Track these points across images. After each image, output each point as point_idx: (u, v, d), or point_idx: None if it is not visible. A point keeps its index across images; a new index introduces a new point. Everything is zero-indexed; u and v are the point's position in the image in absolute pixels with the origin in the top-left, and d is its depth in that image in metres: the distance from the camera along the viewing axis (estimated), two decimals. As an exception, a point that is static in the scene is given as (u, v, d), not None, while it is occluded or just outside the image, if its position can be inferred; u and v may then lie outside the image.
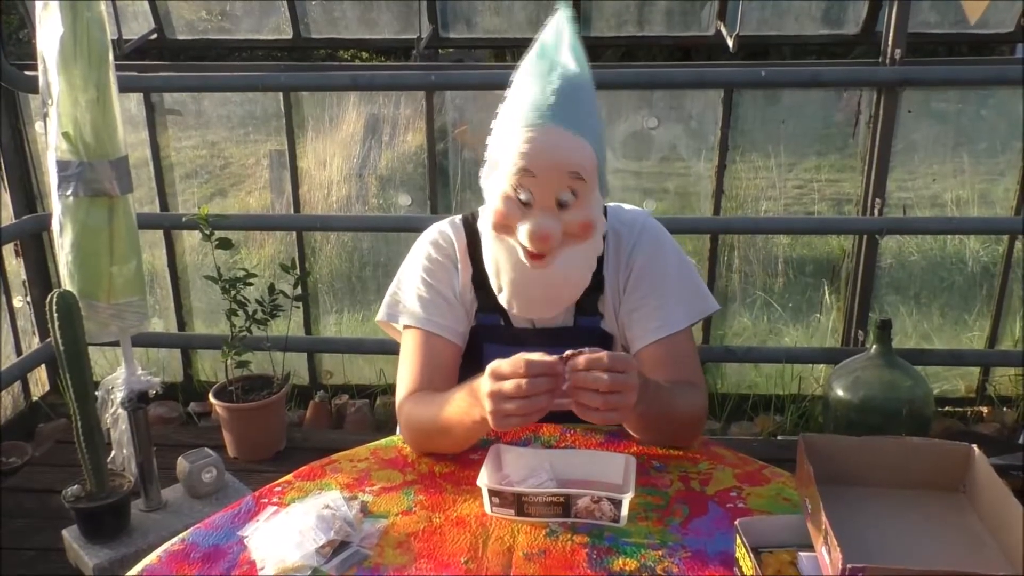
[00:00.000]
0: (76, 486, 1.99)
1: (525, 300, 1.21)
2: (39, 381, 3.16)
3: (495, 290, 1.23)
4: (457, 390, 1.12)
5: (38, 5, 1.94)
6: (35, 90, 2.13)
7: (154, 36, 3.00)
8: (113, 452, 2.18)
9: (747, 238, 2.95)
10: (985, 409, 2.98)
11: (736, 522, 0.89)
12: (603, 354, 0.98)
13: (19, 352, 2.96)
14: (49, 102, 1.96)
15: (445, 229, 1.33)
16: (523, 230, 1.13)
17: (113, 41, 2.22)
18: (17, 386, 2.99)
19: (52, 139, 1.97)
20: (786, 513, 1.03)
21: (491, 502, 1.03)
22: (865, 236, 2.82)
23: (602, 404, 0.97)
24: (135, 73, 2.87)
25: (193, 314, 3.19)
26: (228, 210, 3.00)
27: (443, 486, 1.12)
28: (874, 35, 2.83)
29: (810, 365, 2.99)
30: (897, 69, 2.62)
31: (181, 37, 3.07)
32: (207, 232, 2.36)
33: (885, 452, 0.95)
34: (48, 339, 2.34)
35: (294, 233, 3.04)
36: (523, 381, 0.96)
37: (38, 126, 2.95)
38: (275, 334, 2.64)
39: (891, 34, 2.60)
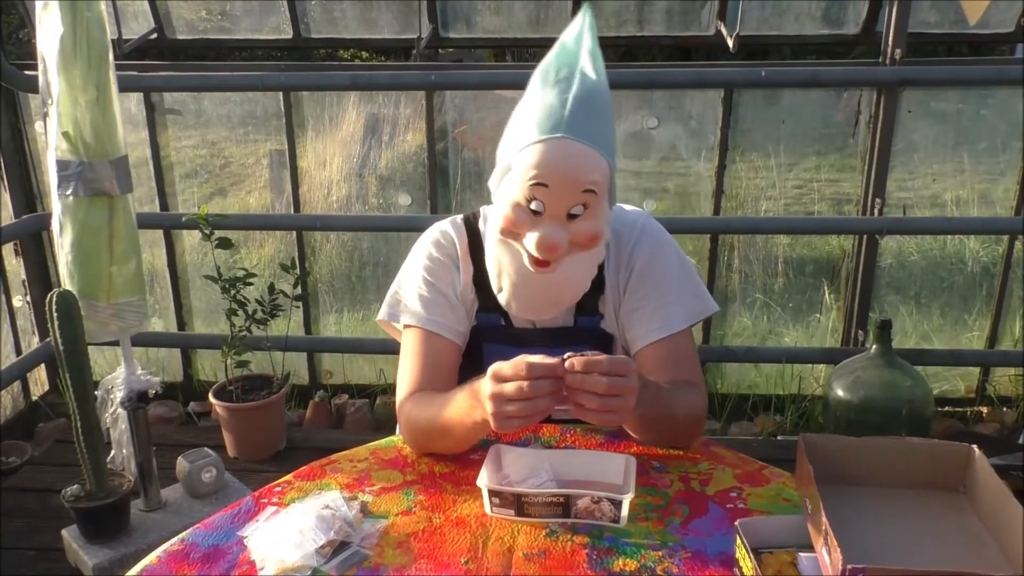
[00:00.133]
0: (76, 486, 1.99)
1: (524, 301, 1.21)
2: (39, 381, 3.16)
3: (495, 290, 1.23)
4: (458, 391, 1.12)
5: (38, 5, 1.94)
6: (35, 90, 2.12)
7: (154, 36, 3.00)
8: (113, 452, 2.19)
9: (747, 238, 2.95)
10: (985, 409, 2.98)
11: (736, 522, 0.89)
12: (602, 357, 0.98)
13: (19, 352, 2.96)
14: (49, 102, 1.96)
15: (447, 229, 1.33)
16: (531, 238, 1.13)
17: (113, 41, 2.22)
18: (17, 385, 2.99)
19: (52, 139, 1.97)
20: (786, 513, 1.03)
21: (491, 502, 1.03)
22: (865, 236, 2.82)
23: (600, 406, 0.97)
24: (135, 73, 2.87)
25: (193, 314, 3.19)
26: (228, 210, 2.99)
27: (443, 486, 1.12)
28: (874, 35, 2.83)
29: (810, 365, 2.99)
30: (897, 69, 2.62)
31: (181, 37, 3.07)
32: (207, 232, 2.36)
33: (885, 452, 0.95)
34: (48, 339, 2.34)
35: (294, 233, 3.04)
36: (524, 383, 0.96)
37: (38, 126, 2.95)
38: (275, 334, 2.64)
39: (891, 34, 2.60)
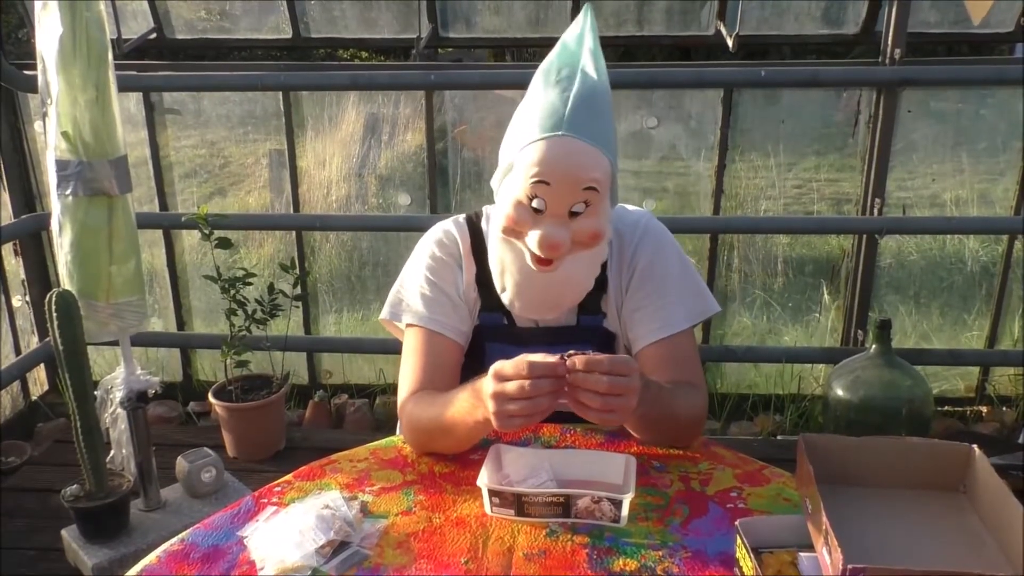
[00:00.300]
0: (75, 486, 1.99)
1: (527, 301, 1.21)
2: (38, 380, 3.16)
3: (498, 289, 1.24)
4: (460, 390, 1.12)
5: (37, 5, 1.93)
6: (34, 89, 2.12)
7: (153, 35, 3.00)
8: (112, 452, 2.18)
9: (747, 238, 2.95)
10: (984, 409, 2.99)
11: (736, 522, 0.89)
12: (604, 357, 0.98)
13: (18, 351, 2.96)
14: (48, 101, 1.95)
15: (449, 228, 1.34)
16: (533, 237, 1.13)
17: (112, 40, 2.22)
18: (16, 385, 2.99)
19: (51, 138, 1.96)
20: (786, 513, 1.03)
21: (491, 502, 1.03)
22: (864, 236, 2.82)
23: (601, 405, 0.97)
24: (134, 72, 2.87)
25: (192, 314, 3.19)
26: (227, 209, 2.99)
27: (443, 486, 1.12)
28: (874, 35, 2.83)
29: (810, 365, 2.99)
30: (897, 69, 2.62)
31: (180, 36, 3.07)
32: (206, 231, 2.36)
33: (885, 452, 0.95)
34: (47, 338, 2.34)
35: (293, 232, 3.03)
36: (526, 383, 0.96)
37: (37, 125, 2.95)
38: (274, 334, 2.64)
39: (891, 34, 2.60)
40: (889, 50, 2.61)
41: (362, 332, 3.14)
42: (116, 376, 2.16)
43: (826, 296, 2.99)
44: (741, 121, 2.83)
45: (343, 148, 2.99)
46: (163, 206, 3.03)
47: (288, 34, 3.03)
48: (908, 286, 2.97)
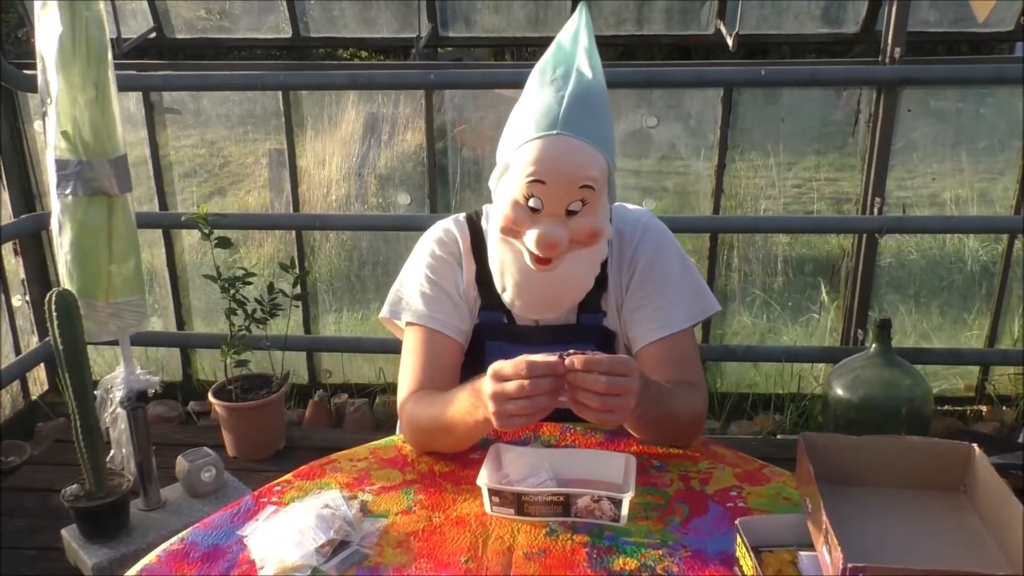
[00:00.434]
0: (75, 485, 1.99)
1: (527, 300, 1.22)
2: (38, 380, 3.16)
3: (498, 289, 1.24)
4: (460, 390, 1.12)
5: (37, 4, 1.93)
6: (34, 89, 2.12)
7: (153, 35, 3.00)
8: (112, 451, 2.18)
9: (746, 237, 2.95)
10: (984, 408, 2.98)
11: (736, 521, 0.89)
12: (604, 356, 0.98)
13: (18, 351, 2.96)
14: (48, 101, 1.95)
15: (449, 227, 1.34)
16: (531, 236, 1.14)
17: (112, 40, 2.22)
18: (16, 385, 2.99)
19: (51, 138, 1.96)
20: (786, 512, 1.03)
21: (491, 501, 1.03)
22: (864, 235, 2.82)
23: (599, 405, 0.97)
24: (134, 72, 2.87)
25: (192, 313, 3.19)
26: (227, 209, 2.99)
27: (443, 485, 1.12)
28: (874, 34, 2.83)
29: (809, 364, 2.99)
30: (897, 68, 2.62)
31: (180, 36, 3.07)
32: (206, 231, 2.36)
33: (885, 451, 0.95)
34: (47, 338, 2.34)
35: (293, 232, 3.03)
36: (525, 382, 0.97)
37: (37, 125, 2.95)
38: (274, 333, 2.63)
39: (891, 33, 2.60)
40: (889, 49, 2.61)
41: (362, 331, 3.14)
42: (116, 376, 2.16)
43: (826, 295, 2.99)
44: (741, 120, 2.83)
45: (343, 147, 2.98)
46: (163, 206, 3.03)
47: (288, 34, 3.02)
48: (908, 285, 2.97)
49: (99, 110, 1.94)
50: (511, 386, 0.97)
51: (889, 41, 2.61)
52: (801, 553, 0.86)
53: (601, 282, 1.27)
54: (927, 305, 2.98)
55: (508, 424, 1.00)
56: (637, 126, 2.90)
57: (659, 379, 1.14)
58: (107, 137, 1.97)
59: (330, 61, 4.61)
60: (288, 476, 1.16)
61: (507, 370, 0.99)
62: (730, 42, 2.77)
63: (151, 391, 2.21)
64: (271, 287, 2.53)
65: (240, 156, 3.07)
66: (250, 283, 2.48)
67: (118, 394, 2.13)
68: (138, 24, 2.98)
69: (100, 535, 1.99)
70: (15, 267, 3.01)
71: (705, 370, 2.94)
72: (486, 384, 1.01)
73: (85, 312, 1.94)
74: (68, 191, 1.96)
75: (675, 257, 1.30)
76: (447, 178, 2.99)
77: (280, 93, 2.87)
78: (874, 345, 2.36)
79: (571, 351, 0.99)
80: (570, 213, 1.14)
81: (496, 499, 1.02)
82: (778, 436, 2.88)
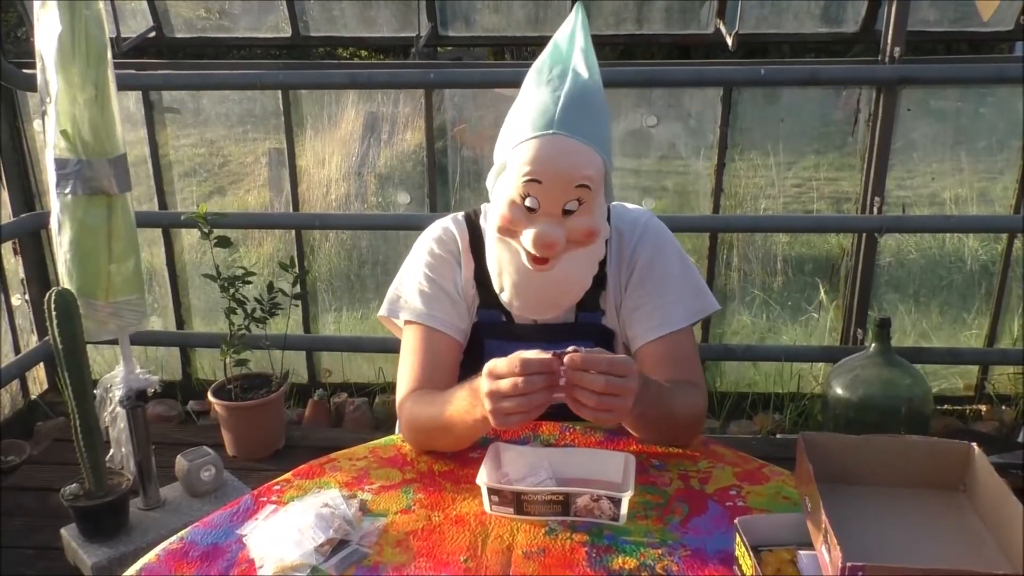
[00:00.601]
0: (75, 484, 1.99)
1: (526, 300, 1.22)
2: (37, 379, 3.16)
3: (497, 289, 1.24)
4: (458, 389, 1.12)
5: (36, 3, 1.93)
6: (33, 88, 2.12)
7: (152, 34, 3.00)
8: (112, 450, 2.18)
9: (746, 236, 2.95)
10: (984, 407, 2.99)
11: (736, 520, 0.89)
12: (603, 356, 0.98)
13: (17, 350, 2.96)
14: (47, 100, 1.95)
15: (448, 225, 1.34)
16: (528, 236, 1.14)
17: (111, 39, 2.22)
18: (16, 384, 2.99)
19: (50, 137, 1.96)
20: (786, 512, 1.02)
21: (490, 500, 1.03)
22: (864, 234, 2.82)
23: (597, 404, 0.97)
24: (133, 71, 2.87)
25: (192, 312, 3.19)
26: (227, 208, 2.99)
27: (442, 484, 1.12)
28: (873, 33, 2.83)
29: (809, 363, 2.99)
30: (896, 67, 2.62)
31: (179, 35, 3.07)
32: (206, 230, 2.36)
33: (884, 450, 0.95)
34: (46, 337, 2.33)
35: (293, 231, 3.03)
36: (519, 380, 0.97)
37: (36, 124, 2.95)
38: (274, 332, 2.63)
39: (890, 32, 2.60)
40: (889, 48, 2.61)
41: (361, 331, 3.14)
42: (115, 375, 2.16)
43: (825, 295, 2.99)
44: (740, 120, 2.83)
45: (342, 147, 2.98)
46: (162, 205, 3.03)
47: (287, 33, 3.02)
48: (907, 285, 2.97)
49: (98, 109, 1.94)
50: (505, 384, 0.98)
51: (889, 40, 2.61)
52: (800, 552, 0.86)
53: (600, 281, 1.27)
54: (927, 304, 2.98)
55: (505, 422, 1.00)
56: (637, 125, 2.90)
57: (658, 378, 1.14)
58: (106, 136, 1.97)
59: (330, 60, 4.61)
60: (287, 475, 1.16)
61: (501, 368, 0.99)
62: (730, 41, 2.77)
63: (150, 390, 2.21)
64: (271, 286, 2.53)
65: (240, 155, 3.07)
66: (250, 282, 2.48)
67: (117, 393, 2.13)
68: (137, 23, 2.98)
69: (99, 534, 1.99)
70: (14, 266, 3.00)
71: (705, 369, 2.95)
72: (482, 382, 1.01)
73: (84, 311, 1.93)
74: (67, 190, 1.96)
75: (674, 256, 1.30)
76: (447, 177, 2.99)
77: (280, 92, 2.87)
78: (873, 344, 2.36)
79: (572, 348, 0.99)
80: (567, 212, 1.14)
81: (495, 498, 1.02)
82: (777, 435, 2.88)
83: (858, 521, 0.89)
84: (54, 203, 2.00)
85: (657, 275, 1.28)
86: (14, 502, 2.35)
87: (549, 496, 1.00)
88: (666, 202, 2.99)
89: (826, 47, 3.99)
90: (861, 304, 2.90)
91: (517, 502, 1.01)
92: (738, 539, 0.88)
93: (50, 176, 2.00)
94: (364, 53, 6.87)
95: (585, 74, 1.16)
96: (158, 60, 3.24)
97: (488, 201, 1.29)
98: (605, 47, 3.52)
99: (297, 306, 2.93)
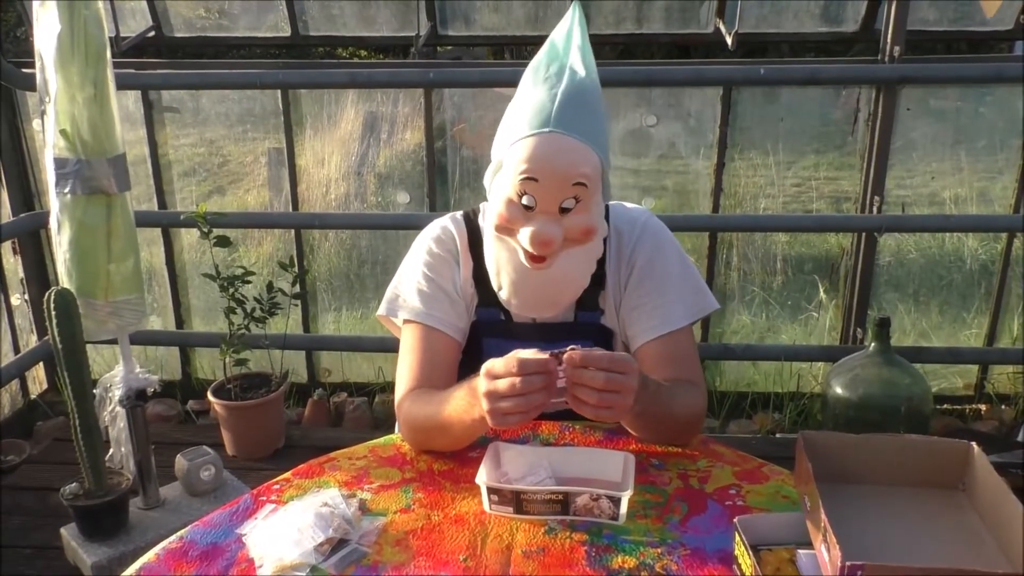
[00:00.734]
0: (74, 484, 1.99)
1: (524, 299, 1.21)
2: (37, 379, 3.15)
3: (495, 288, 1.24)
4: (456, 388, 1.12)
5: (36, 3, 1.93)
6: (33, 87, 2.12)
7: (152, 33, 3.00)
8: (111, 450, 2.18)
9: (746, 236, 2.95)
10: (983, 407, 2.99)
11: (735, 520, 0.89)
12: (603, 354, 0.98)
13: (17, 350, 2.96)
14: (47, 99, 1.95)
15: (447, 224, 1.34)
16: (525, 234, 1.14)
17: (111, 38, 2.21)
18: (15, 384, 2.99)
19: (49, 136, 1.96)
20: (785, 511, 1.02)
21: (490, 500, 1.03)
22: (864, 234, 2.82)
23: (597, 402, 0.97)
24: (133, 71, 2.86)
25: (191, 312, 3.19)
26: (226, 208, 2.99)
27: (442, 484, 1.12)
28: (873, 32, 2.83)
29: (808, 363, 2.99)
30: (896, 67, 2.62)
31: (179, 35, 3.07)
32: (205, 230, 2.35)
33: (884, 450, 0.95)
34: (46, 337, 2.33)
35: (292, 231, 3.03)
36: (517, 380, 0.97)
37: (36, 123, 2.95)
38: (273, 332, 2.63)
39: (890, 31, 2.60)
40: (888, 48, 2.61)
41: (361, 330, 3.14)
42: (115, 374, 2.16)
43: (825, 294, 2.99)
44: (740, 119, 2.83)
45: (342, 146, 2.98)
46: (162, 204, 3.02)
47: (287, 32, 3.02)
48: (907, 284, 2.97)
49: (98, 109, 1.94)
50: (503, 384, 0.98)
51: (888, 40, 2.61)
52: (800, 551, 0.86)
53: (599, 280, 1.27)
54: (926, 304, 2.98)
55: (502, 422, 1.00)
56: (636, 125, 2.90)
57: (658, 377, 1.14)
58: (106, 136, 1.97)
59: (329, 60, 4.61)
60: (287, 475, 1.16)
61: (499, 368, 0.99)
62: (729, 41, 2.77)
63: (150, 390, 2.21)
64: (270, 286, 2.53)
65: (239, 155, 3.07)
66: (249, 282, 2.48)
67: (117, 393, 2.13)
68: (137, 23, 2.98)
69: (99, 534, 1.99)
70: (14, 266, 3.00)
71: (704, 369, 2.95)
72: (480, 382, 1.01)
73: (84, 311, 1.93)
74: (67, 190, 1.95)
75: (674, 255, 1.30)
76: (446, 177, 2.99)
77: (279, 92, 2.87)
78: (873, 344, 2.36)
79: (571, 347, 0.99)
80: (564, 211, 1.14)
81: (495, 497, 1.02)
82: (777, 435, 2.88)
83: (857, 520, 0.89)
84: (53, 203, 2.00)
85: (657, 274, 1.28)
86: (14, 501, 2.35)
87: (548, 495, 1.00)
88: (666, 201, 2.99)
89: (826, 46, 3.99)
90: (861, 303, 2.90)
91: (516, 501, 1.01)
92: (737, 538, 0.88)
93: (49, 176, 2.00)
94: (364, 53, 6.86)
95: (582, 72, 1.16)
96: (157, 59, 3.24)
97: (487, 200, 1.29)
98: (605, 46, 3.51)
99: (297, 306, 2.93)
